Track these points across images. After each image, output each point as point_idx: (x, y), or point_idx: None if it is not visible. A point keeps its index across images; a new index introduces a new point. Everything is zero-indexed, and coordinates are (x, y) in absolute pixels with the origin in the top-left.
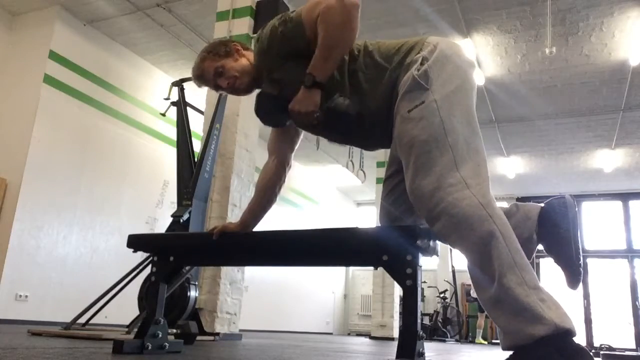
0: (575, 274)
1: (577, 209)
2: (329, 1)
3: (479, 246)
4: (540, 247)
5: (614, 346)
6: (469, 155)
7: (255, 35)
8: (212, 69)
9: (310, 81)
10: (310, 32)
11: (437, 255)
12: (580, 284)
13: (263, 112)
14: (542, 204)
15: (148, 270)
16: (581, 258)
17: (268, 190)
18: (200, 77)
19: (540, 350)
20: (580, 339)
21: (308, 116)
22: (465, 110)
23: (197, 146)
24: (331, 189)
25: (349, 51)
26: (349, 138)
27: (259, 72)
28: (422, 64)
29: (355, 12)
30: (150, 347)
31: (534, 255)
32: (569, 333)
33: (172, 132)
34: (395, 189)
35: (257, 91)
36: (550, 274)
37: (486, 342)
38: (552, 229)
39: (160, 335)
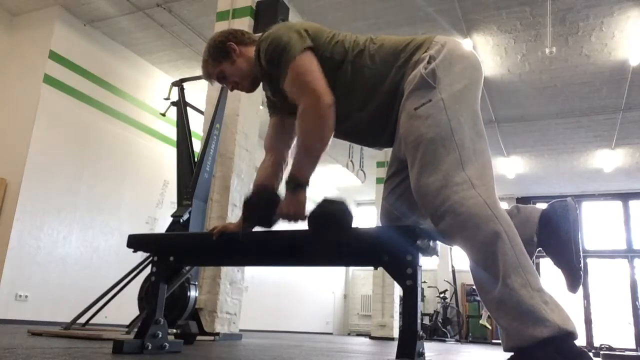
0: (575, 277)
1: (578, 212)
2: (304, 102)
3: (484, 246)
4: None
5: (614, 346)
6: (474, 156)
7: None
8: (214, 75)
9: (293, 185)
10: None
11: (437, 255)
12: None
13: (254, 213)
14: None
15: (148, 270)
16: (582, 261)
17: (265, 187)
18: (208, 80)
19: (542, 352)
20: (580, 339)
21: (297, 217)
22: (472, 111)
23: (197, 146)
24: (331, 189)
25: (354, 46)
26: (351, 136)
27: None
28: (429, 62)
29: (329, 111)
30: (150, 347)
31: (534, 256)
32: (571, 336)
33: (172, 132)
34: (396, 190)
35: (256, 91)
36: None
37: (490, 327)
38: (552, 231)
39: (160, 335)
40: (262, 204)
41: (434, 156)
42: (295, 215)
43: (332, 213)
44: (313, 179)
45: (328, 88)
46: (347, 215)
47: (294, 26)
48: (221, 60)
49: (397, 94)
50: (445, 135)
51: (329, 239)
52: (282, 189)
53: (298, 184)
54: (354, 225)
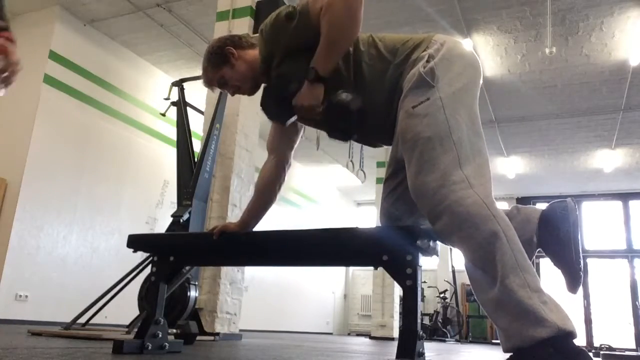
0: (575, 277)
1: (578, 212)
2: None
3: (482, 246)
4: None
5: (614, 346)
6: (472, 155)
7: (255, 35)
8: (215, 81)
9: (313, 75)
10: (317, 24)
11: (437, 255)
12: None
13: (269, 106)
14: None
15: (148, 270)
16: (581, 262)
17: (267, 189)
18: (209, 86)
19: (541, 352)
20: (580, 339)
21: (311, 110)
22: (470, 110)
23: (197, 146)
24: (331, 189)
25: (354, 42)
26: (349, 133)
27: (266, 64)
28: (428, 61)
29: (358, 4)
30: (150, 347)
31: (534, 257)
32: (571, 335)
33: (172, 132)
34: (395, 190)
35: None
36: (550, 275)
37: None
38: (552, 232)
39: (160, 335)
40: (276, 95)
41: (431, 155)
42: (311, 107)
43: (348, 107)
44: (313, 179)
45: None
46: (361, 107)
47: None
48: (221, 66)
49: (395, 92)
50: (443, 134)
51: (342, 130)
52: (282, 193)
53: (317, 76)
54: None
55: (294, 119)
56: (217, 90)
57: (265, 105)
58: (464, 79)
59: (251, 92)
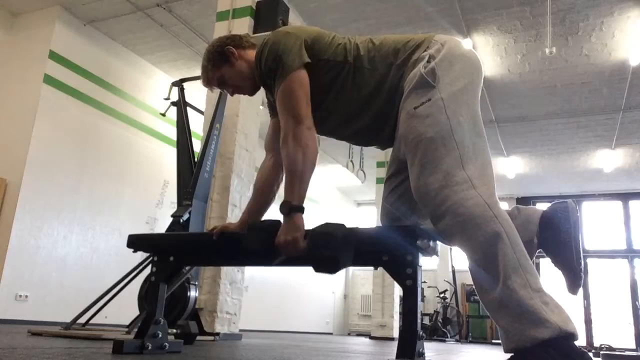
0: (575, 278)
1: (579, 214)
2: (284, 127)
3: (484, 247)
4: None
5: (614, 346)
6: (474, 155)
7: (255, 35)
8: (214, 81)
9: (288, 209)
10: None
11: (437, 255)
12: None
13: (254, 247)
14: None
15: (148, 270)
16: (582, 263)
17: (266, 189)
18: (208, 86)
19: (542, 353)
20: (580, 339)
21: (295, 243)
22: (471, 110)
23: (197, 146)
24: (331, 189)
25: (354, 47)
26: (352, 137)
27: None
28: (429, 61)
29: (308, 135)
30: (150, 347)
31: (534, 257)
32: (572, 337)
33: (172, 132)
34: (396, 190)
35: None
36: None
37: None
38: (553, 233)
39: (160, 335)
40: (260, 235)
41: (433, 155)
42: (293, 241)
43: (332, 235)
44: (313, 179)
45: (310, 111)
46: (347, 239)
47: (293, 36)
48: (220, 65)
49: (396, 93)
50: (445, 134)
51: (328, 261)
52: (281, 192)
53: (292, 207)
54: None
55: (282, 259)
56: (216, 90)
57: (250, 244)
58: (466, 79)
59: (251, 92)
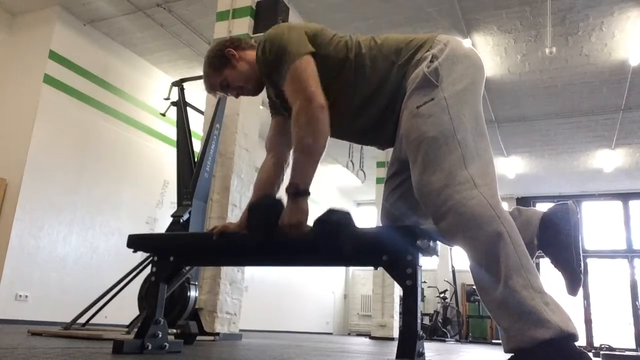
0: (575, 279)
1: (579, 215)
2: (296, 105)
3: (486, 246)
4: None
5: (614, 346)
6: (477, 155)
7: (255, 35)
8: (217, 85)
9: (294, 191)
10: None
11: (437, 255)
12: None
13: (255, 224)
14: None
15: (148, 270)
16: (582, 264)
17: (267, 189)
18: (212, 91)
19: (542, 353)
20: (580, 339)
21: (299, 227)
22: (474, 110)
23: (197, 146)
24: (331, 189)
25: (355, 45)
26: (353, 136)
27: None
28: (432, 61)
29: (322, 112)
30: (150, 347)
31: (534, 258)
32: (572, 337)
33: (172, 132)
34: (396, 190)
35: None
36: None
37: None
38: (553, 234)
39: (160, 335)
40: (263, 212)
41: (436, 155)
42: (298, 224)
43: (337, 222)
44: (313, 179)
45: (321, 91)
46: (351, 225)
47: (294, 28)
48: (222, 69)
49: (398, 93)
50: (448, 133)
51: (333, 247)
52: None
53: (298, 191)
54: (354, 229)
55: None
56: (219, 94)
57: (251, 222)
58: (468, 78)
59: (255, 92)
